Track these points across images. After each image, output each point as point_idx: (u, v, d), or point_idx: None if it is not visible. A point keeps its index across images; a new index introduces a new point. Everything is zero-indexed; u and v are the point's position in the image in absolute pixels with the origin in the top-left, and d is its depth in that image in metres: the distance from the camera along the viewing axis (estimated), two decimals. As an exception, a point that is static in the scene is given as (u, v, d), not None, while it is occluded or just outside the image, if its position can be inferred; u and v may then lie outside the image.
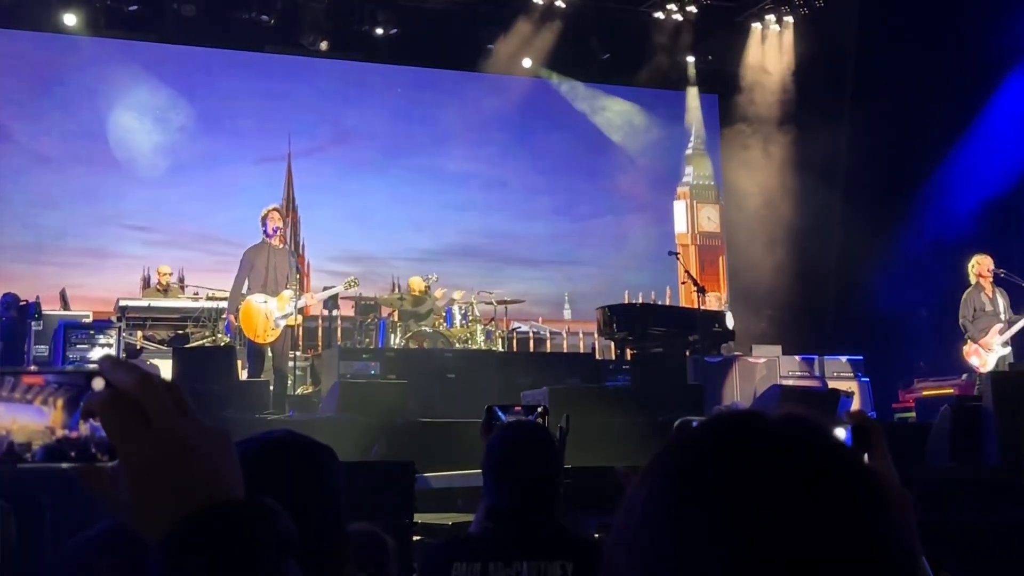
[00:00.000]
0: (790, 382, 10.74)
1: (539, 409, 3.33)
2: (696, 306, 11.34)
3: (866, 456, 1.02)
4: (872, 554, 0.72)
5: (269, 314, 9.44)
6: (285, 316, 9.53)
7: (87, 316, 10.72)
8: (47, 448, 0.88)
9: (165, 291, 11.91)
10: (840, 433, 0.99)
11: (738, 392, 10.34)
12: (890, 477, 1.02)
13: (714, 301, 13.37)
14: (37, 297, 10.65)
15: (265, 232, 9.61)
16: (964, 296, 10.15)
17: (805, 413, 0.79)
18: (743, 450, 0.75)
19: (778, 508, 0.71)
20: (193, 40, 14.19)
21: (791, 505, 0.71)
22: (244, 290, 9.60)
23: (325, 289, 10.59)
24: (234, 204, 13.76)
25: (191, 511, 0.83)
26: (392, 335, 11.58)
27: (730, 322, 12.22)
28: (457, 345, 11.53)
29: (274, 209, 9.82)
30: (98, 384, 0.88)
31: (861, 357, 11.72)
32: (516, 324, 13.77)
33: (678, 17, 15.19)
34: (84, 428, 0.89)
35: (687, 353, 11.31)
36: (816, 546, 0.70)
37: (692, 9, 15.03)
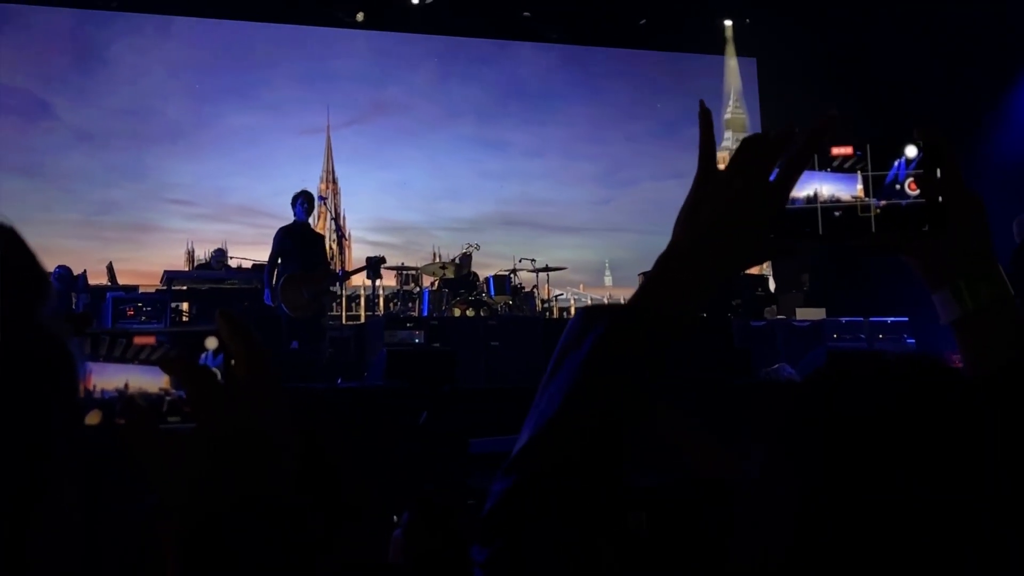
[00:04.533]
0: (836, 345, 10.68)
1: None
2: (738, 270, 11.25)
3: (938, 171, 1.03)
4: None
5: (307, 289, 9.67)
6: (322, 292, 9.87)
7: (134, 289, 10.85)
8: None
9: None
10: (911, 151, 1.01)
11: (783, 355, 10.28)
12: (961, 185, 1.04)
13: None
14: (84, 271, 10.82)
15: (298, 213, 9.88)
16: (1012, 256, 10.01)
17: (926, 355, 0.79)
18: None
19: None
20: (231, 14, 14.23)
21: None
22: (278, 266, 9.87)
23: (358, 270, 10.89)
24: (275, 177, 13.83)
25: (237, 498, 0.77)
26: (435, 304, 11.61)
27: (772, 286, 12.15)
28: (500, 313, 11.55)
29: (305, 192, 10.03)
30: (211, 343, 0.84)
31: (907, 319, 11.59)
32: (558, 292, 13.75)
33: (715, -21, 15.05)
34: None
35: (729, 317, 11.24)
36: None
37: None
